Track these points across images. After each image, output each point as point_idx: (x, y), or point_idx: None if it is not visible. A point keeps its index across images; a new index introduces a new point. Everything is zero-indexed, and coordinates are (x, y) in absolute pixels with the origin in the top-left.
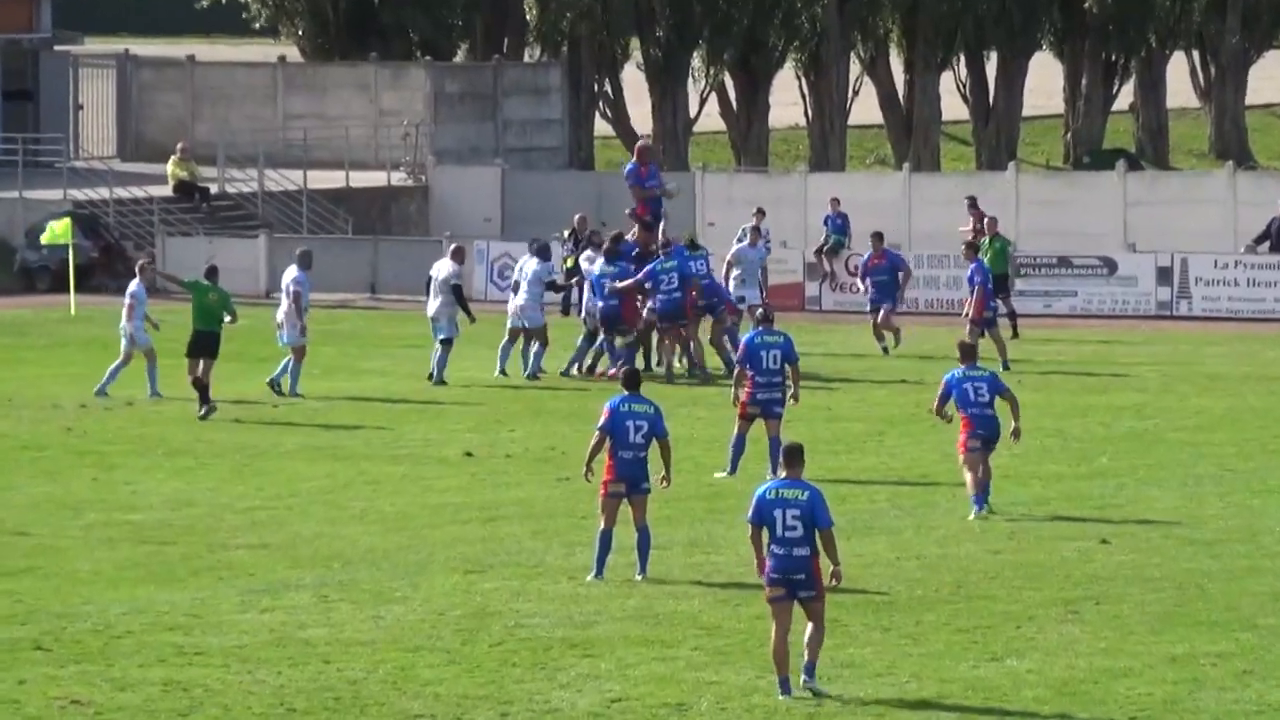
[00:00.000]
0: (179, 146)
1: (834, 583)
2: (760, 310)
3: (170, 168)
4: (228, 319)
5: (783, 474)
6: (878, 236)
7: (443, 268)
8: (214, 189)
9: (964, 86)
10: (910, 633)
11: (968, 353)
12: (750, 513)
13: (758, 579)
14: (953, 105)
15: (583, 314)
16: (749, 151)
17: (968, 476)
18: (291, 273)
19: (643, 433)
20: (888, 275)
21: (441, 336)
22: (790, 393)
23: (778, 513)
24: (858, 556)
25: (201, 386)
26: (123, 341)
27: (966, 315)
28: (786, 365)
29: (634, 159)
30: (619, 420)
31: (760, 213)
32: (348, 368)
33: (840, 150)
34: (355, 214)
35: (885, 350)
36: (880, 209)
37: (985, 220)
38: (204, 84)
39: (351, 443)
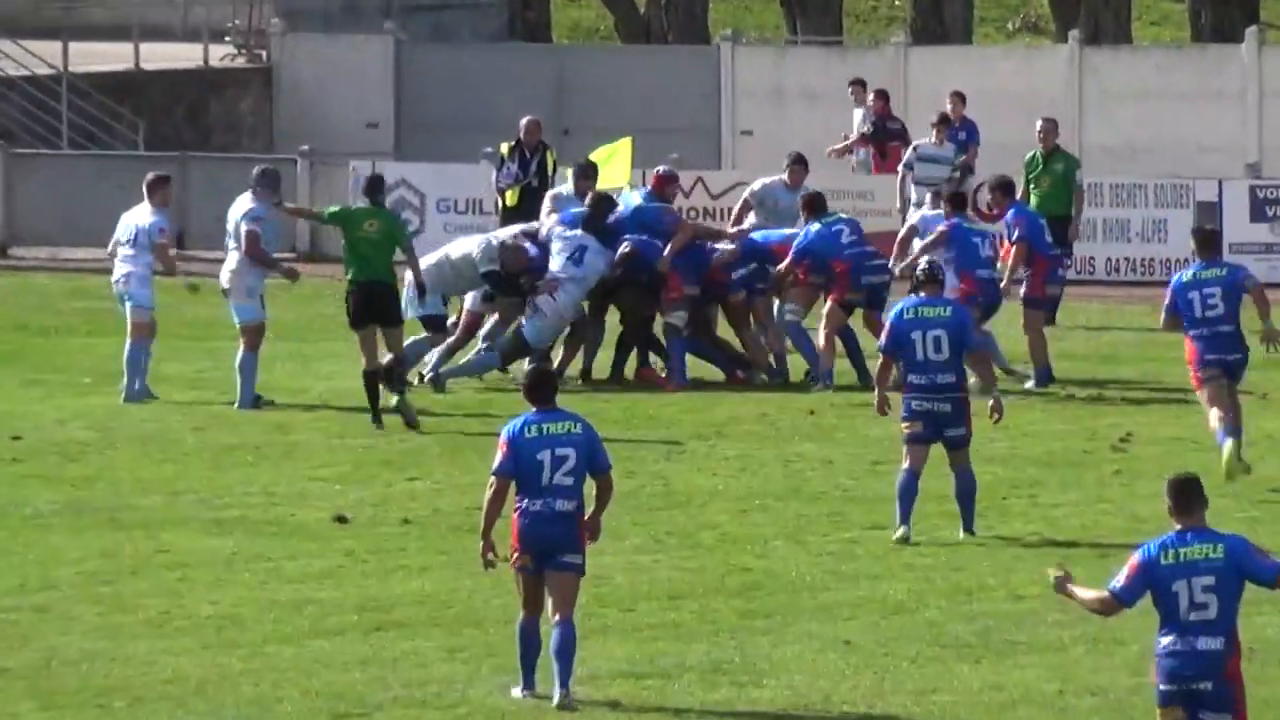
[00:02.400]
0: None
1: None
2: (924, 267)
3: None
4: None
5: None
6: (1002, 187)
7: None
8: None
9: None
10: None
11: (1205, 242)
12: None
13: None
14: None
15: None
16: (810, 9)
17: (1211, 413)
18: (244, 205)
19: (567, 468)
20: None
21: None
22: (988, 399)
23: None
24: (996, 690)
25: (388, 374)
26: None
27: (1011, 293)
28: (962, 352)
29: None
30: (526, 454)
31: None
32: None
33: (962, 7)
34: (150, 115)
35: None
36: (1032, 109)
37: (1042, 128)
38: None
39: (145, 499)
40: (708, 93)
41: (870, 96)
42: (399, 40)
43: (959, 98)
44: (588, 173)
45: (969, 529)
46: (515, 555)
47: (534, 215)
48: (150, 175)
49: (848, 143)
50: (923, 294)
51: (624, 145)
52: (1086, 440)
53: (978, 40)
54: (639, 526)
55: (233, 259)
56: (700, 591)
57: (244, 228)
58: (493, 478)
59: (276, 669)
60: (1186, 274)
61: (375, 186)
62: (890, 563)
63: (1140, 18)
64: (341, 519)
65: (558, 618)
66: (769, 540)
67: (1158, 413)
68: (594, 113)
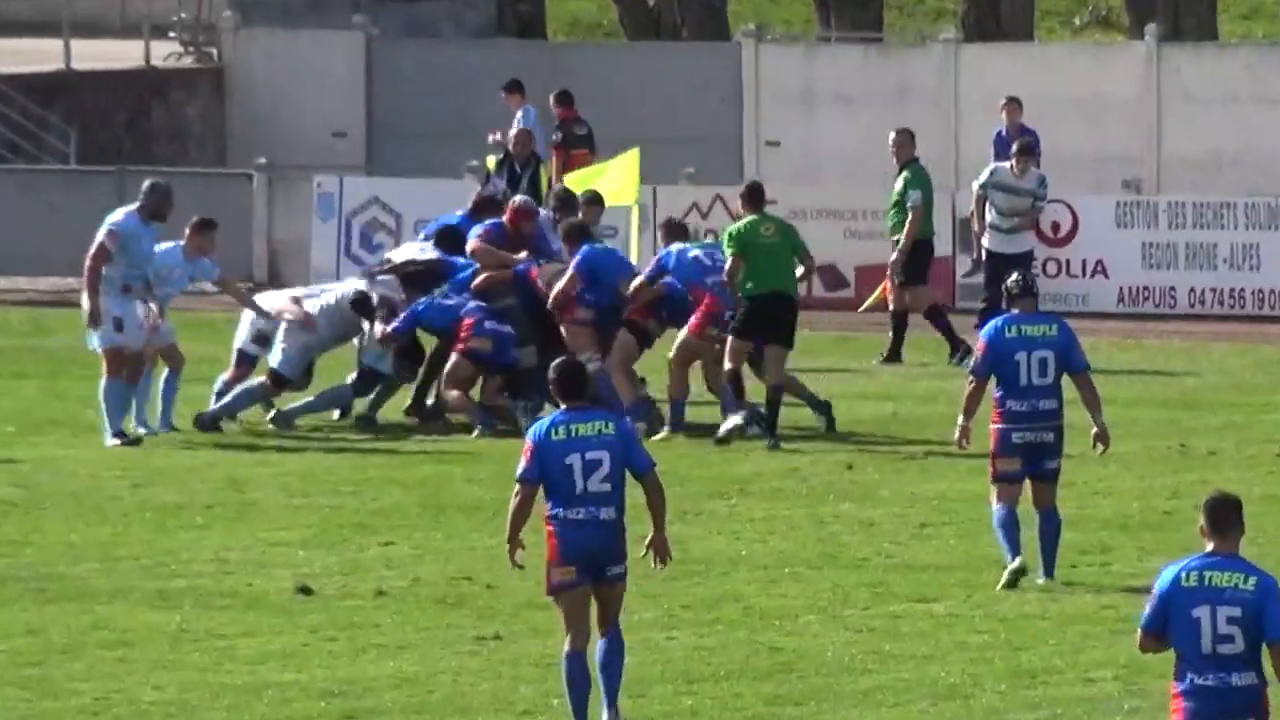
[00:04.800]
0: None
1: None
2: (1017, 279)
3: None
4: (799, 270)
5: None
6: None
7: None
8: None
9: None
10: None
11: None
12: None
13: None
14: None
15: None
16: (845, 1)
17: None
18: (115, 219)
19: (602, 473)
20: None
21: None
22: (1091, 425)
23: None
24: None
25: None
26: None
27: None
28: (1066, 375)
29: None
30: (552, 458)
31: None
32: (67, 419)
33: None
34: (83, 123)
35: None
36: (1102, 115)
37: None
38: None
39: (78, 567)
40: (727, 97)
41: (550, 100)
42: (370, 36)
43: (1016, 104)
44: (567, 201)
45: (1049, 574)
46: (554, 572)
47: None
48: (195, 219)
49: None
50: (1018, 309)
51: (630, 159)
52: (1167, 499)
53: (1040, 37)
54: (650, 599)
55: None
56: (721, 674)
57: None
58: (518, 484)
59: None
60: None
61: (756, 196)
62: (941, 641)
63: (1228, 11)
64: (305, 590)
65: (605, 631)
66: (800, 615)
67: (1250, 468)
68: (595, 120)
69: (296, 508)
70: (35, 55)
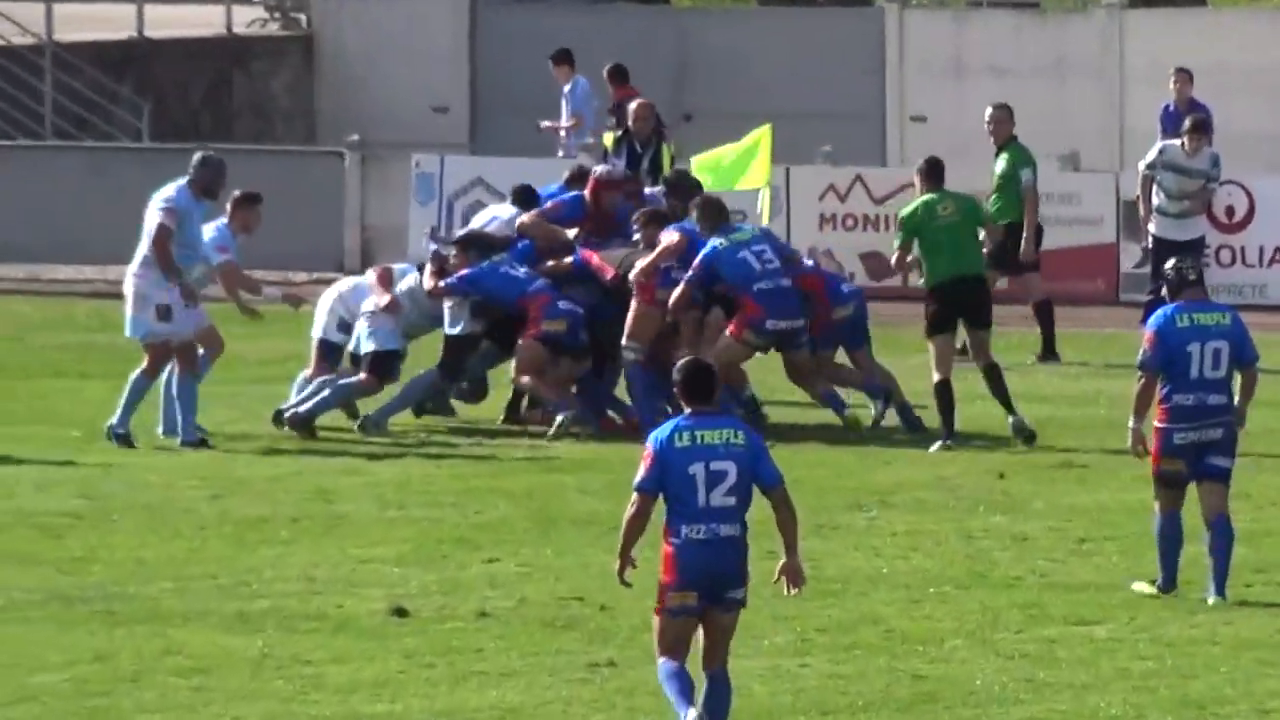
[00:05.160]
0: None
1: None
2: (1176, 265)
3: None
4: (984, 244)
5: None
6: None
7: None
8: None
9: None
10: None
11: None
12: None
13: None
14: None
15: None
16: None
17: None
18: (167, 194)
19: (726, 485)
20: None
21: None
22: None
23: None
24: None
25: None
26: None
27: None
28: (1236, 370)
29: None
30: (675, 467)
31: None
32: (138, 423)
33: None
34: (157, 96)
35: None
36: None
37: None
38: None
39: (150, 586)
40: (869, 68)
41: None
42: (474, 1)
43: (1186, 76)
44: (679, 189)
45: (1220, 593)
46: (670, 597)
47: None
48: (237, 193)
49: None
50: (1185, 298)
51: (762, 136)
52: None
53: (1212, 2)
54: (781, 622)
55: (140, 254)
56: (859, 704)
57: (157, 217)
58: (635, 494)
59: None
60: None
61: (935, 172)
62: (1101, 668)
63: None
64: (400, 612)
65: (713, 667)
66: (946, 639)
67: None
68: (724, 94)
69: (391, 521)
70: (104, 21)
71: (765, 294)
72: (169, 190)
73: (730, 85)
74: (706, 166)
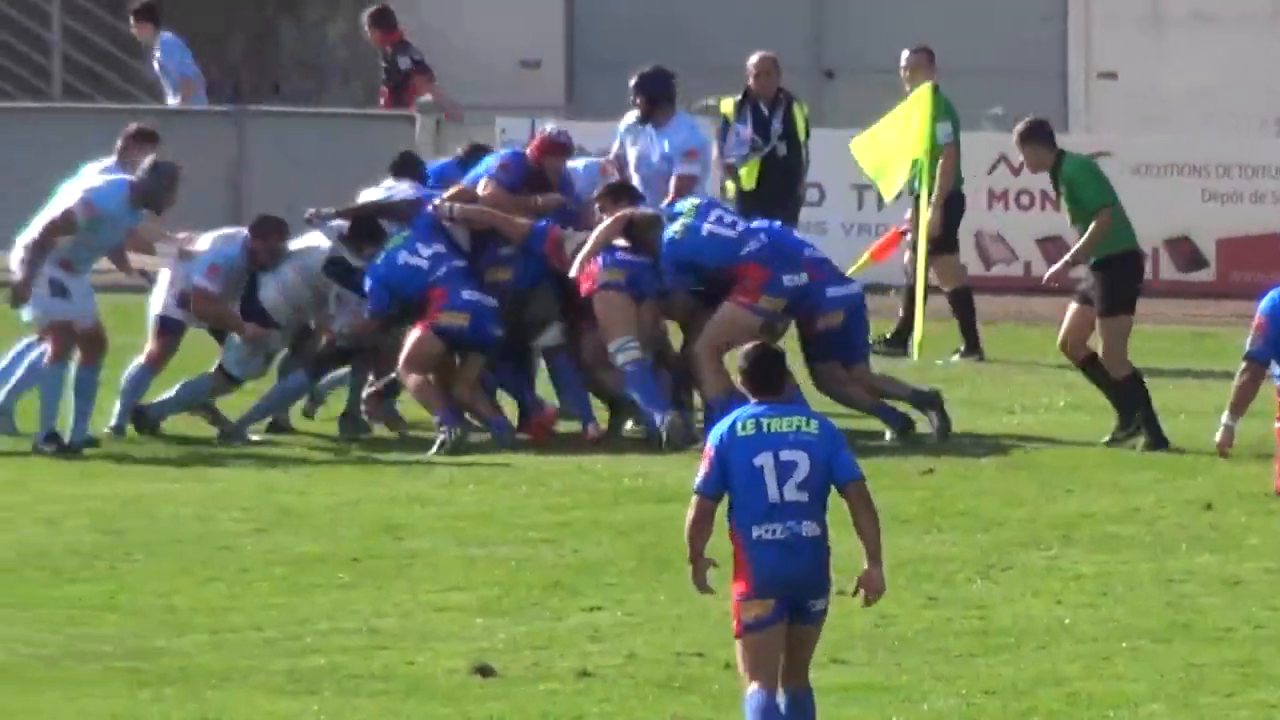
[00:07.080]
0: None
1: None
2: None
3: None
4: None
5: None
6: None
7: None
8: None
9: None
10: None
11: None
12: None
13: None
14: None
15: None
16: None
17: None
18: (98, 188)
19: (798, 478)
20: None
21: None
22: None
23: None
24: None
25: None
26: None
27: None
28: None
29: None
30: (739, 458)
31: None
32: (172, 440)
33: None
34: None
35: None
36: None
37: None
38: None
39: (183, 639)
40: (1049, 16)
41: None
42: None
43: None
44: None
45: None
46: (746, 608)
47: (778, 198)
48: (132, 127)
49: None
50: None
51: (921, 99)
52: None
53: None
54: (943, 682)
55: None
56: None
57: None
58: (695, 495)
59: None
60: None
61: (1039, 132)
62: None
63: None
64: (485, 670)
65: (793, 684)
66: (1142, 703)
67: None
68: (876, 48)
69: (472, 560)
70: None
71: (760, 251)
72: (102, 183)
73: (878, 37)
74: (864, 149)
